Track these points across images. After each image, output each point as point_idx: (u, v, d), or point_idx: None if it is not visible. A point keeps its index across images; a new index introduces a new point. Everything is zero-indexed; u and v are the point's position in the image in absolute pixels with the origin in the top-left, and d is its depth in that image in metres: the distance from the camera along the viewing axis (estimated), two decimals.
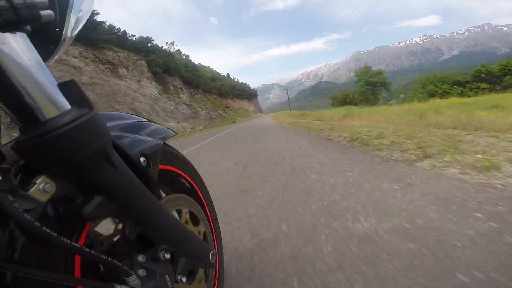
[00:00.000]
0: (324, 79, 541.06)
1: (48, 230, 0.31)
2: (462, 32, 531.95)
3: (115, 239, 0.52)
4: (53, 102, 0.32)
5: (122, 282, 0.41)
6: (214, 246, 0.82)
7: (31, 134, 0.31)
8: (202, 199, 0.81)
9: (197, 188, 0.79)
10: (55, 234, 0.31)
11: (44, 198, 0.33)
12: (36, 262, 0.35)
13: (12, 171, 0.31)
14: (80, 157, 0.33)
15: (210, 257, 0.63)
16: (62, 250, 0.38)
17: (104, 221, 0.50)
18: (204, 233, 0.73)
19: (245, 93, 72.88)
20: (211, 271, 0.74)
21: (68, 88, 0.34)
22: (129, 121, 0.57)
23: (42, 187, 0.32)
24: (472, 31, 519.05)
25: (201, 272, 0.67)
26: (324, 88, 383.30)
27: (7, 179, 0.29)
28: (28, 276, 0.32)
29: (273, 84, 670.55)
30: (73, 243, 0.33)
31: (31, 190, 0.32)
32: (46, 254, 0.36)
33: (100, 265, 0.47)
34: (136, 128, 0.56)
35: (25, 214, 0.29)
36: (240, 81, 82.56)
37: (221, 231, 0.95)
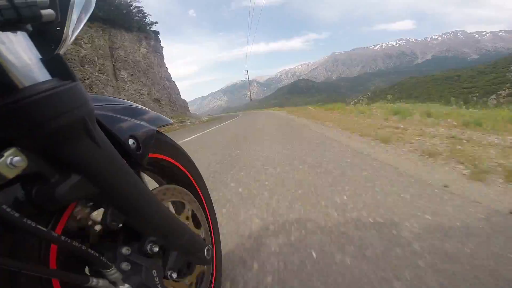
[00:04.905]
0: (302, 77, 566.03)
1: (11, 211, 0.29)
2: (436, 37, 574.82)
3: (99, 228, 0.49)
4: (33, 72, 0.32)
5: (100, 275, 0.41)
6: (212, 241, 0.82)
7: (3, 100, 0.30)
8: (199, 192, 0.81)
9: (193, 180, 0.79)
10: (17, 215, 0.30)
11: (11, 173, 0.31)
12: (4, 250, 0.34)
13: None
14: (56, 126, 0.32)
15: (205, 253, 0.62)
16: (27, 235, 0.36)
17: (88, 208, 0.46)
18: (200, 226, 0.72)
19: None
20: (208, 268, 0.72)
21: (52, 60, 0.34)
22: (123, 105, 0.56)
23: (10, 161, 0.31)
24: (445, 36, 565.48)
25: (196, 268, 0.65)
26: (302, 86, 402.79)
27: None
28: None
29: (252, 81, 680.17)
30: (38, 226, 0.32)
31: None
32: (16, 241, 0.35)
33: (78, 256, 0.44)
34: (128, 111, 0.55)
35: None
36: None
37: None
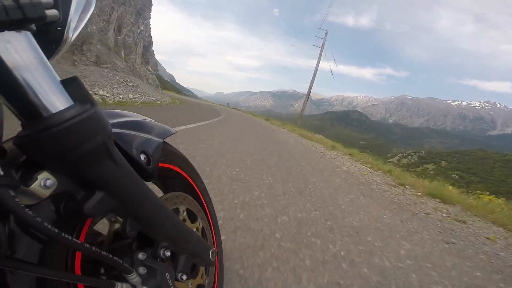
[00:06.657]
0: (358, 109, 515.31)
1: (49, 226, 0.33)
2: None
3: (115, 237, 0.56)
4: (55, 98, 0.34)
5: (123, 279, 0.45)
6: (214, 244, 0.90)
7: (33, 129, 0.33)
8: (201, 197, 0.87)
9: (195, 187, 0.85)
10: (56, 230, 0.33)
11: (45, 193, 0.35)
12: (37, 259, 0.37)
13: (14, 166, 0.34)
14: (82, 152, 0.35)
15: (210, 255, 0.69)
16: (63, 246, 0.41)
17: (105, 218, 0.54)
18: (203, 231, 0.79)
19: None
20: (211, 269, 0.80)
21: (71, 84, 0.37)
22: (130, 118, 0.61)
23: (43, 183, 0.35)
24: None
25: (201, 270, 0.72)
26: (353, 119, 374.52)
27: (8, 174, 0.31)
28: (29, 273, 0.34)
29: (304, 95, 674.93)
30: (73, 239, 0.36)
31: (32, 185, 0.34)
32: (47, 251, 0.38)
33: (101, 262, 0.51)
34: (136, 125, 0.60)
35: (26, 209, 0.31)
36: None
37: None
